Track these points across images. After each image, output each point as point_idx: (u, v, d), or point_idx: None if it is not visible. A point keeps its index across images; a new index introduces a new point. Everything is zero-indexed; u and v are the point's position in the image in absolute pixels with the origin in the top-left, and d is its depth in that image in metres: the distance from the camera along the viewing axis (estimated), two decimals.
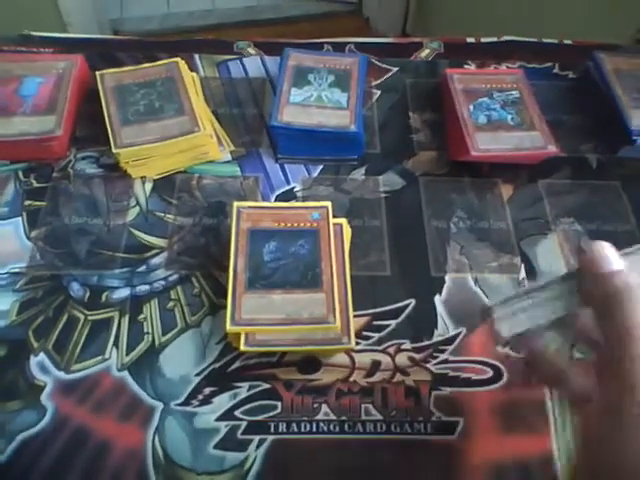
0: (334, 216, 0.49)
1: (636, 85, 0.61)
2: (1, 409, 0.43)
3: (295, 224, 0.49)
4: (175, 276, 0.50)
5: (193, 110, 0.56)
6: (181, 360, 0.45)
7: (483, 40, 0.73)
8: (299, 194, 0.56)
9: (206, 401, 0.43)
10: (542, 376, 0.38)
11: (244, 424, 0.42)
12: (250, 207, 0.50)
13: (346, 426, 0.43)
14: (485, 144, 0.55)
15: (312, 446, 0.42)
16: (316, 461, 0.41)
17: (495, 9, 1.49)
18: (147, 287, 0.49)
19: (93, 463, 0.40)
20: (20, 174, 0.56)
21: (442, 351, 0.46)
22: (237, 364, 0.45)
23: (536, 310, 0.33)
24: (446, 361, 0.46)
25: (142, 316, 0.47)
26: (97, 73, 0.60)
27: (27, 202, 0.54)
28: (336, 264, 0.46)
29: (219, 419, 0.43)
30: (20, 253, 0.50)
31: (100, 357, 0.45)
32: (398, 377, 0.45)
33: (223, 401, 0.43)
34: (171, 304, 0.48)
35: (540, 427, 0.43)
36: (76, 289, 0.48)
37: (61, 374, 0.44)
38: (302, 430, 0.42)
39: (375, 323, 0.48)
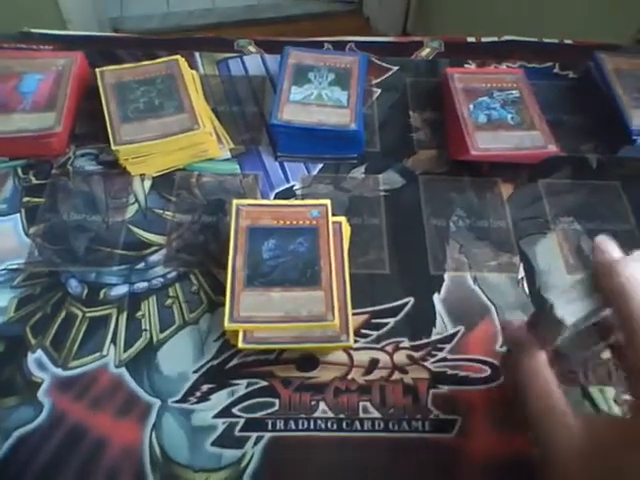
0: (333, 214, 0.49)
1: (636, 85, 0.61)
2: None
3: (294, 222, 0.48)
4: (173, 273, 0.50)
5: (193, 108, 0.56)
6: (179, 357, 0.45)
7: (483, 40, 0.73)
8: (298, 192, 0.56)
9: (204, 398, 0.43)
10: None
11: (242, 421, 0.42)
12: (249, 205, 0.49)
13: (344, 424, 0.43)
14: (485, 143, 0.55)
15: (310, 443, 0.42)
16: (313, 458, 0.41)
17: (495, 9, 1.49)
18: (145, 284, 0.49)
19: (90, 460, 0.40)
20: (19, 171, 0.56)
21: (440, 349, 0.46)
22: (235, 361, 0.45)
23: (588, 298, 0.33)
24: (444, 359, 0.46)
25: (140, 313, 0.47)
26: (97, 70, 0.60)
27: (26, 199, 0.54)
28: (335, 262, 0.46)
29: (217, 416, 0.43)
30: (18, 249, 0.50)
31: (98, 354, 0.45)
32: (396, 375, 0.45)
33: (221, 398, 0.43)
34: (169, 301, 0.48)
35: None
36: (74, 286, 0.48)
37: (58, 371, 0.44)
38: (300, 427, 0.42)
39: (374, 321, 0.48)
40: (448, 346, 0.46)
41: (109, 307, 0.47)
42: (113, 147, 0.53)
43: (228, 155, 0.58)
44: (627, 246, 0.52)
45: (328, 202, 0.49)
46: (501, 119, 0.58)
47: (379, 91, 0.65)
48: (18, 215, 0.53)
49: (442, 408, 0.43)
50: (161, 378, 0.44)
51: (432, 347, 0.46)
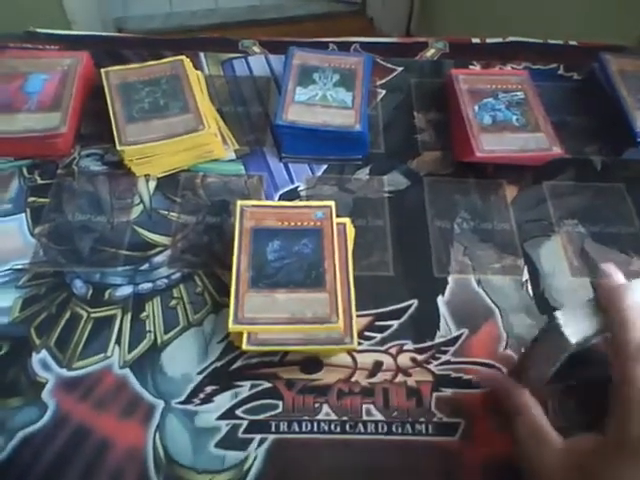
0: (338, 215, 0.49)
1: None
2: (2, 406, 0.43)
3: (299, 223, 0.48)
4: (178, 274, 0.50)
5: (198, 108, 0.56)
6: (183, 358, 0.45)
7: (488, 41, 0.73)
8: (303, 193, 0.56)
9: (207, 400, 0.43)
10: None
11: (245, 423, 0.42)
12: (254, 206, 0.50)
13: (347, 426, 0.42)
14: (490, 145, 0.55)
15: (313, 446, 0.42)
16: (317, 461, 0.41)
17: (499, 9, 1.49)
18: (150, 285, 0.49)
19: (93, 461, 0.40)
20: (24, 170, 0.56)
21: (444, 352, 0.46)
22: (239, 363, 0.45)
23: (594, 318, 0.34)
24: (448, 362, 0.46)
25: (144, 314, 0.47)
26: (102, 70, 0.60)
27: (31, 199, 0.54)
28: (339, 263, 0.46)
29: (220, 418, 0.42)
30: (23, 249, 0.50)
31: (102, 355, 0.45)
32: (400, 378, 0.45)
33: (224, 400, 0.43)
34: (174, 302, 0.48)
35: None
36: (79, 286, 0.48)
37: (63, 371, 0.44)
38: (303, 430, 0.42)
39: (377, 323, 0.48)
40: (452, 349, 0.46)
41: (114, 308, 0.47)
42: (118, 147, 0.53)
43: (233, 156, 0.58)
44: (631, 248, 0.52)
45: (332, 203, 0.49)
46: (506, 121, 0.58)
47: (384, 92, 0.65)
48: (23, 215, 0.53)
49: (446, 411, 0.43)
50: (165, 379, 0.44)
51: (436, 350, 0.46)
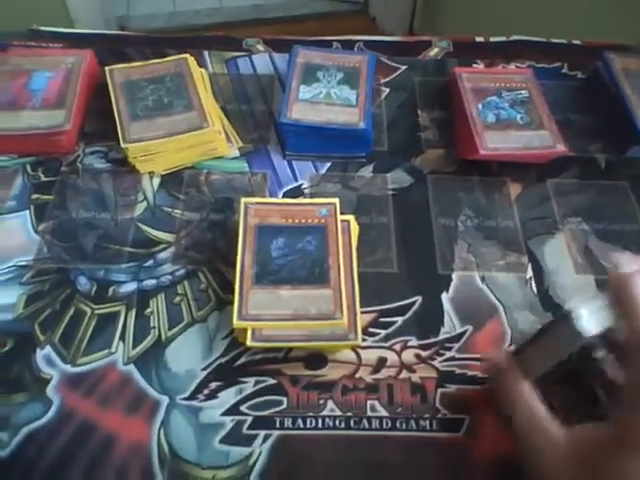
0: (342, 213, 0.49)
1: None
2: (7, 402, 0.43)
3: (303, 220, 0.49)
4: (182, 271, 0.50)
5: (202, 106, 0.56)
6: (187, 355, 0.45)
7: (492, 39, 0.73)
8: (307, 191, 0.56)
9: (212, 396, 0.43)
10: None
11: (250, 419, 0.42)
12: (258, 203, 0.50)
13: (352, 422, 0.43)
14: (494, 143, 0.55)
15: (317, 442, 0.42)
16: (321, 456, 0.41)
17: (502, 8, 1.49)
18: (154, 282, 0.49)
19: (98, 456, 0.40)
20: (28, 168, 0.56)
21: (449, 348, 0.46)
22: (243, 359, 0.45)
23: (607, 311, 0.33)
24: (452, 358, 0.46)
25: (149, 310, 0.47)
26: (106, 68, 0.60)
27: (35, 196, 0.54)
28: (343, 260, 0.46)
29: (225, 414, 0.43)
30: (27, 246, 0.50)
31: (106, 351, 0.45)
32: (404, 374, 0.45)
33: (229, 396, 0.43)
34: (178, 299, 0.48)
35: None
36: (83, 283, 0.49)
37: (67, 367, 0.44)
38: (308, 426, 0.42)
39: (382, 320, 0.48)
40: (456, 345, 0.46)
41: (118, 304, 0.47)
42: (122, 145, 0.53)
43: (237, 153, 0.58)
44: (636, 246, 0.52)
45: (336, 201, 0.49)
46: (510, 119, 0.58)
47: (387, 90, 0.65)
48: (27, 212, 0.53)
49: (450, 407, 0.43)
50: (169, 375, 0.44)
51: (440, 346, 0.46)
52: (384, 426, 0.42)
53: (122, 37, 0.75)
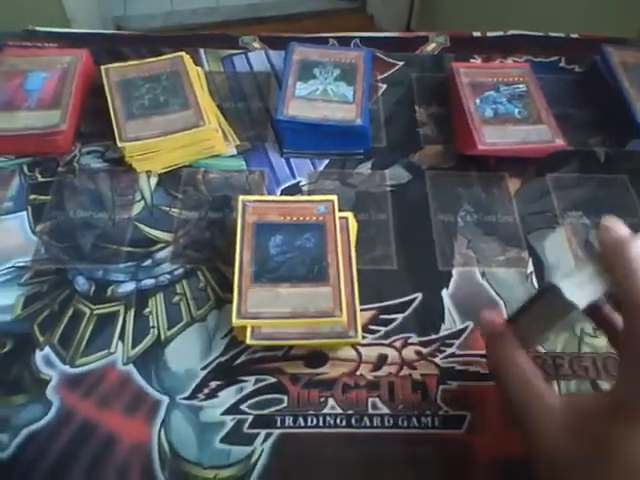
0: (340, 210, 0.49)
1: None
2: (6, 403, 0.42)
3: (301, 218, 0.48)
4: (181, 270, 0.49)
5: (198, 104, 0.56)
6: (187, 354, 0.45)
7: (489, 34, 0.73)
8: (305, 188, 0.56)
9: (212, 395, 0.43)
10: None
11: (250, 418, 0.42)
12: (256, 201, 0.49)
13: (353, 420, 0.42)
14: (492, 138, 0.55)
15: (319, 440, 0.41)
16: (322, 455, 0.41)
17: (500, 6, 1.48)
18: (152, 281, 0.49)
19: (98, 457, 0.40)
20: (25, 168, 0.56)
21: (449, 345, 0.46)
22: (243, 358, 0.45)
23: (597, 281, 0.32)
24: (453, 355, 0.46)
25: (148, 310, 0.47)
26: (102, 67, 0.60)
27: (32, 196, 0.54)
28: (342, 258, 0.46)
29: (225, 413, 0.42)
30: (25, 247, 0.50)
31: (106, 351, 0.45)
32: (405, 371, 0.45)
33: (229, 395, 0.43)
34: (177, 298, 0.48)
35: None
36: (81, 283, 0.48)
37: (66, 368, 0.44)
38: (309, 424, 0.42)
39: (382, 317, 0.47)
40: (457, 341, 0.46)
41: (116, 304, 0.47)
42: (119, 144, 0.53)
43: (234, 151, 0.58)
44: None
45: (335, 198, 0.49)
46: (508, 113, 0.57)
47: (385, 86, 0.65)
48: (25, 213, 0.52)
49: (451, 404, 0.43)
50: (169, 375, 0.44)
51: (441, 343, 0.46)
52: (385, 423, 0.42)
53: (118, 36, 0.75)
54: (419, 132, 0.61)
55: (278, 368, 0.44)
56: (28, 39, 0.68)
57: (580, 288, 0.32)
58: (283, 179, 0.56)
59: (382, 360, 0.45)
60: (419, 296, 0.49)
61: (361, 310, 0.45)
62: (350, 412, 0.43)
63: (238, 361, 0.45)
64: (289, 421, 0.42)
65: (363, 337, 0.45)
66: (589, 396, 0.33)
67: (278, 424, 0.42)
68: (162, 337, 0.46)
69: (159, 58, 0.61)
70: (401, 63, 0.68)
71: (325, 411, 0.43)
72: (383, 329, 0.47)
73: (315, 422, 0.42)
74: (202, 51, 0.68)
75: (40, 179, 0.55)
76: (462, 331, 0.47)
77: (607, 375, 0.43)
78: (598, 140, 0.60)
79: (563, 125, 0.57)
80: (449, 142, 0.60)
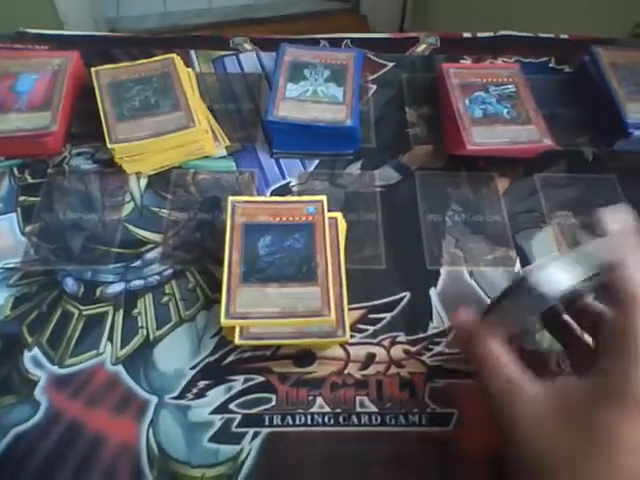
0: (329, 210, 0.49)
1: (632, 78, 0.61)
2: None
3: (290, 218, 0.48)
4: (170, 271, 0.50)
5: (189, 105, 0.56)
6: (175, 354, 0.45)
7: (479, 35, 0.73)
8: (295, 189, 0.56)
9: (200, 394, 0.43)
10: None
11: (239, 417, 0.42)
12: (245, 202, 0.50)
13: (341, 418, 0.43)
14: (481, 138, 0.55)
15: (307, 438, 0.42)
16: (311, 453, 0.41)
17: (493, 7, 1.49)
18: (142, 282, 0.49)
19: (87, 457, 0.40)
20: (15, 170, 0.56)
21: (437, 343, 0.46)
22: (232, 357, 0.45)
23: (574, 267, 0.32)
24: (441, 353, 0.46)
25: (136, 311, 0.47)
26: (92, 69, 0.60)
27: (22, 198, 0.54)
28: (331, 258, 0.46)
29: (213, 412, 0.42)
30: (14, 248, 0.50)
31: (94, 351, 0.45)
32: (393, 369, 0.45)
33: (218, 394, 0.43)
34: (166, 299, 0.48)
35: None
36: (70, 284, 0.48)
37: (55, 368, 0.44)
38: (297, 422, 0.42)
39: (370, 316, 0.48)
40: (445, 340, 0.46)
41: (105, 305, 0.47)
42: (109, 145, 0.53)
43: (224, 152, 0.58)
44: None
45: (324, 198, 0.49)
46: (497, 114, 0.58)
47: (375, 87, 0.65)
48: (14, 214, 0.53)
49: (439, 402, 0.43)
50: (158, 375, 0.44)
51: (429, 341, 0.46)
52: (373, 422, 0.42)
53: (108, 38, 0.75)
54: (409, 133, 0.61)
55: (266, 367, 0.45)
56: (19, 41, 0.68)
57: (553, 278, 0.31)
58: (273, 180, 0.56)
59: (370, 359, 0.45)
60: (407, 295, 0.49)
61: (350, 309, 0.46)
62: (338, 411, 0.43)
63: (227, 361, 0.45)
64: (277, 420, 0.42)
65: (351, 336, 0.45)
66: (573, 379, 0.32)
67: (266, 423, 0.42)
68: (151, 337, 0.46)
69: (150, 60, 0.61)
70: (391, 64, 0.68)
71: (313, 410, 0.43)
72: (371, 328, 0.47)
73: (303, 421, 0.42)
74: (193, 52, 0.68)
75: (30, 180, 0.55)
76: (450, 330, 0.47)
77: None
78: (586, 140, 0.61)
79: (552, 125, 0.57)
80: (439, 143, 0.60)
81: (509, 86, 0.61)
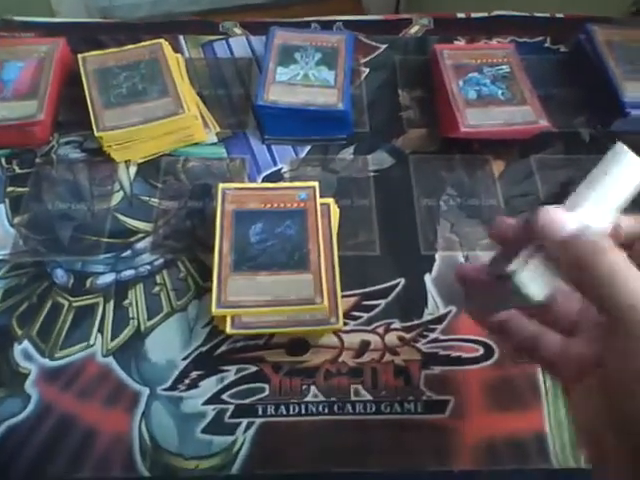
0: (322, 196, 0.48)
1: (629, 56, 0.60)
2: None
3: (282, 205, 0.48)
4: (161, 260, 0.49)
5: (177, 91, 0.55)
6: (167, 345, 0.45)
7: (473, 15, 0.72)
8: (286, 175, 0.55)
9: (193, 385, 0.43)
10: (517, 345, 0.32)
11: (232, 407, 0.42)
12: (235, 189, 0.49)
13: (335, 407, 0.42)
14: (475, 120, 0.54)
15: (301, 428, 0.41)
16: (306, 443, 0.41)
17: None
18: (132, 272, 0.48)
19: (79, 449, 0.40)
20: (2, 160, 0.55)
21: (432, 330, 0.46)
22: (224, 347, 0.44)
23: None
24: (436, 340, 0.45)
25: (127, 301, 0.46)
26: (79, 56, 0.59)
27: (10, 188, 0.53)
28: (323, 244, 0.45)
29: (206, 403, 0.42)
30: (3, 240, 0.50)
31: (85, 343, 0.44)
32: (388, 357, 0.44)
33: (210, 385, 0.43)
34: (157, 289, 0.47)
35: (532, 404, 0.42)
36: (60, 275, 0.48)
37: (45, 361, 0.44)
38: (291, 412, 0.42)
39: (364, 303, 0.47)
40: (440, 327, 0.46)
41: (95, 296, 0.47)
42: (96, 133, 0.52)
43: (215, 139, 0.57)
44: None
45: (316, 184, 0.49)
46: (491, 95, 0.57)
47: (367, 70, 0.64)
48: (2, 205, 0.52)
49: (434, 389, 0.43)
50: (149, 366, 0.44)
51: (424, 328, 0.46)
52: (368, 410, 0.42)
53: (95, 25, 0.73)
54: (402, 116, 0.60)
55: (259, 357, 0.44)
56: (4, 29, 0.67)
57: (536, 278, 0.29)
58: (264, 166, 0.56)
59: (364, 346, 0.45)
60: (402, 281, 0.48)
61: (343, 296, 0.45)
62: (333, 399, 0.42)
63: (219, 351, 0.44)
64: (271, 410, 0.42)
65: (345, 324, 0.45)
66: None
67: (260, 413, 0.42)
68: (142, 328, 0.45)
69: (137, 45, 0.60)
70: (384, 46, 0.67)
71: (307, 399, 0.42)
72: (365, 315, 0.46)
73: (297, 410, 0.42)
74: (182, 37, 0.67)
75: (18, 171, 0.54)
76: (445, 316, 0.46)
77: None
78: (583, 120, 0.60)
79: (548, 106, 0.56)
80: (433, 126, 0.59)
81: (504, 67, 0.60)
